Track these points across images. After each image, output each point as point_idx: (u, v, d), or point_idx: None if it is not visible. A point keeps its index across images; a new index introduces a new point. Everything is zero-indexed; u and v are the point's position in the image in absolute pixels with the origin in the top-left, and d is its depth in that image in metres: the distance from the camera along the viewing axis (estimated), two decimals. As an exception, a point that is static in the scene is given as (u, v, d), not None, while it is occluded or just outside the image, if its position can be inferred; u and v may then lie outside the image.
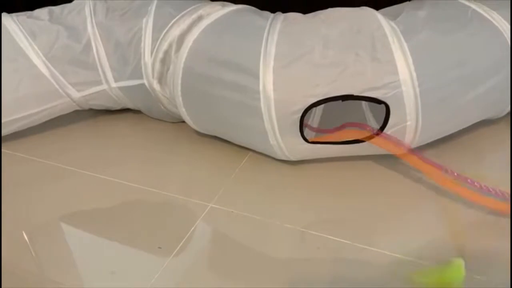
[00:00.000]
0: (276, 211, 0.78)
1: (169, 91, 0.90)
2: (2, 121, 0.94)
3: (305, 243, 0.73)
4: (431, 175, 0.77)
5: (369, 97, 0.72)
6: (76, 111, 1.02)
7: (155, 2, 0.92)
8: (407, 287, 0.64)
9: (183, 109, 0.89)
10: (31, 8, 0.98)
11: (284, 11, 0.88)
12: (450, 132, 0.83)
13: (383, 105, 0.73)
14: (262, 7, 0.91)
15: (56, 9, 0.96)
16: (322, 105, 0.77)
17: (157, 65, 0.89)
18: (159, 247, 0.72)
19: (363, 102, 0.87)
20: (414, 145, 0.79)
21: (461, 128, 0.84)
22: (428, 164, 0.75)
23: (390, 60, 0.72)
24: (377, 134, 0.75)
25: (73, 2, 0.97)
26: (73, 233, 0.79)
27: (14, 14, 0.94)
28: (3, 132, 0.97)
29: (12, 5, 1.06)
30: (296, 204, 0.80)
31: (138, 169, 0.91)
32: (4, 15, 0.94)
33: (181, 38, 0.86)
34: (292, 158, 0.85)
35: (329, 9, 0.81)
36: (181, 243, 0.73)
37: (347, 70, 0.73)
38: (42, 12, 0.95)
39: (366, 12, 0.78)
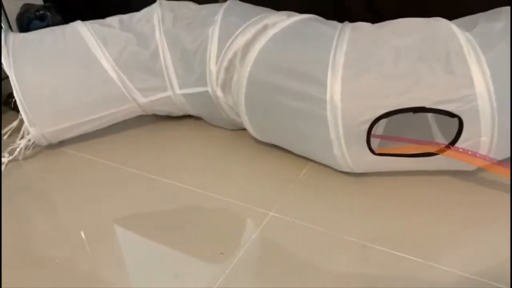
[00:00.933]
0: (337, 223, 0.77)
1: (232, 99, 0.91)
2: (71, 123, 0.98)
3: (367, 257, 0.71)
4: None
5: (442, 110, 0.70)
6: (138, 117, 1.05)
7: (221, 12, 0.94)
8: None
9: (246, 117, 0.89)
10: (96, 17, 1.02)
11: (350, 20, 0.87)
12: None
13: (452, 119, 0.71)
14: (326, 17, 0.90)
15: (126, 17, 0.99)
16: (386, 118, 0.76)
17: (222, 73, 0.90)
18: (222, 253, 0.73)
19: (430, 117, 0.85)
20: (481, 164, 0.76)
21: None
22: None
23: (465, 72, 0.70)
24: (449, 148, 0.72)
25: (143, 10, 1.00)
26: (135, 236, 0.81)
27: (87, 22, 0.99)
28: (73, 134, 1.01)
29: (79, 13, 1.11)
30: (359, 217, 0.78)
31: (199, 175, 0.92)
32: (78, 22, 0.98)
33: (246, 47, 0.87)
34: (356, 170, 0.83)
35: (400, 19, 0.80)
36: (243, 250, 0.73)
37: (419, 82, 0.71)
38: (113, 20, 0.99)
39: (439, 22, 0.76)
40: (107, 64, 0.94)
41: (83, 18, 1.01)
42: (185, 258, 0.74)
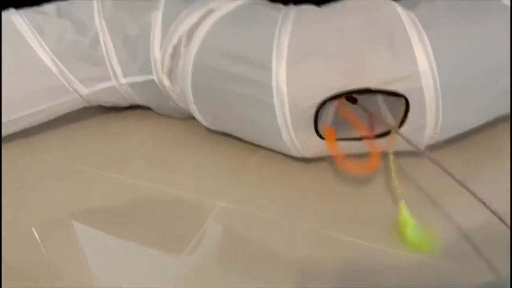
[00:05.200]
0: (289, 210, 0.75)
1: (179, 87, 0.88)
2: (9, 118, 0.92)
3: (318, 243, 0.70)
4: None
5: (388, 90, 0.69)
6: (84, 108, 1.00)
7: (164, -4, 0.90)
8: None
9: (194, 106, 0.86)
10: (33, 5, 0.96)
11: (296, 4, 0.85)
12: (472, 126, 0.79)
13: (401, 99, 0.70)
14: (272, 0, 0.88)
15: (64, 4, 0.94)
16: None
17: (167, 60, 0.87)
18: (169, 247, 0.70)
19: (379, 97, 0.85)
20: (433, 141, 0.76)
21: (482, 123, 0.81)
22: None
23: (409, 51, 0.69)
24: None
25: (82, -4, 0.95)
26: (82, 232, 0.77)
27: (22, 10, 0.93)
28: (11, 131, 0.96)
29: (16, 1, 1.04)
30: (311, 202, 0.77)
31: (147, 167, 0.89)
32: (11, 11, 0.92)
33: (191, 32, 0.84)
34: (306, 155, 0.82)
35: (345, 1, 0.78)
36: (192, 243, 0.71)
37: (364, 63, 0.70)
38: (50, 7, 0.93)
39: (383, 2, 0.75)
40: (44, 54, 0.89)
41: (20, 6, 0.95)
42: (131, 254, 0.72)
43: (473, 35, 0.73)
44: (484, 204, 0.64)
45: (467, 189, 0.66)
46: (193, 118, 0.93)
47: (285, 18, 0.77)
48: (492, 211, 0.63)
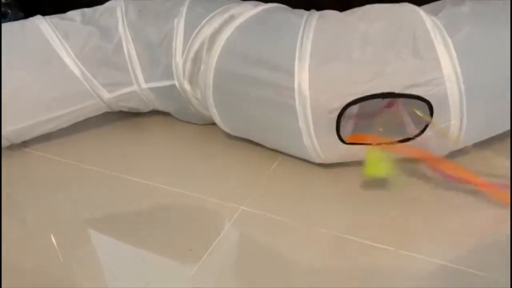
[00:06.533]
0: (310, 216, 0.75)
1: (200, 92, 0.88)
2: (34, 121, 0.94)
3: (341, 249, 0.69)
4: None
5: (411, 94, 0.69)
6: (105, 114, 1.02)
7: (186, 3, 0.91)
8: None
9: (215, 110, 0.87)
10: (59, 12, 0.98)
11: (317, 9, 0.85)
12: (495, 133, 0.78)
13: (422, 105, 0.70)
14: (294, 6, 0.89)
15: (89, 10, 0.96)
16: (357, 106, 0.74)
17: (188, 65, 0.88)
18: (190, 250, 0.70)
19: (400, 104, 0.84)
20: (458, 146, 0.75)
21: (506, 129, 0.79)
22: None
23: (433, 56, 0.69)
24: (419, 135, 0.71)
25: (106, 4, 0.97)
26: (102, 237, 0.78)
27: (48, 17, 0.95)
28: (35, 134, 0.97)
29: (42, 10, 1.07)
30: (332, 208, 0.77)
31: (168, 172, 0.89)
32: (38, 17, 0.94)
33: (213, 38, 0.85)
34: (327, 161, 0.81)
35: (368, 6, 0.79)
36: (212, 246, 0.71)
37: (387, 67, 0.70)
38: (75, 14, 0.95)
39: (406, 7, 0.75)
40: (68, 59, 0.90)
41: (46, 14, 0.97)
42: (152, 257, 0.72)
43: (497, 39, 0.73)
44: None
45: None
46: (213, 124, 0.94)
47: (308, 23, 0.77)
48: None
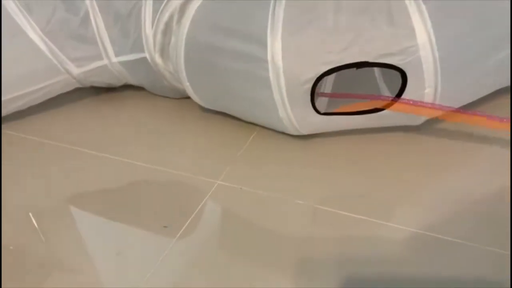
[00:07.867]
0: (286, 187, 0.75)
1: (172, 65, 0.86)
2: (5, 98, 0.90)
3: (317, 220, 0.70)
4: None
5: (385, 63, 0.68)
6: (77, 90, 0.98)
7: (155, -28, 0.87)
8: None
9: (187, 83, 0.85)
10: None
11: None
12: (470, 101, 0.78)
13: (398, 72, 0.69)
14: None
15: (54, -18, 0.91)
16: (334, 74, 0.73)
17: (159, 37, 0.85)
18: (165, 226, 0.70)
19: (376, 70, 0.83)
20: (432, 115, 0.75)
21: (481, 96, 0.79)
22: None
23: (407, 23, 0.67)
24: (395, 101, 0.70)
25: (70, -27, 0.92)
26: (79, 214, 0.77)
27: (10, -11, 0.90)
28: (4, 112, 0.94)
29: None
30: (308, 180, 0.77)
31: (142, 148, 0.88)
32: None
33: (183, 8, 0.82)
34: (303, 132, 0.81)
35: (341, -28, 0.76)
36: (188, 222, 0.70)
37: (361, 36, 0.68)
38: (38, -14, 0.91)
39: (381, -27, 0.73)
40: (33, 34, 0.86)
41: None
42: (128, 234, 0.71)
43: (472, 7, 0.71)
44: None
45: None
46: (188, 97, 0.92)
47: (280, -9, 0.75)
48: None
